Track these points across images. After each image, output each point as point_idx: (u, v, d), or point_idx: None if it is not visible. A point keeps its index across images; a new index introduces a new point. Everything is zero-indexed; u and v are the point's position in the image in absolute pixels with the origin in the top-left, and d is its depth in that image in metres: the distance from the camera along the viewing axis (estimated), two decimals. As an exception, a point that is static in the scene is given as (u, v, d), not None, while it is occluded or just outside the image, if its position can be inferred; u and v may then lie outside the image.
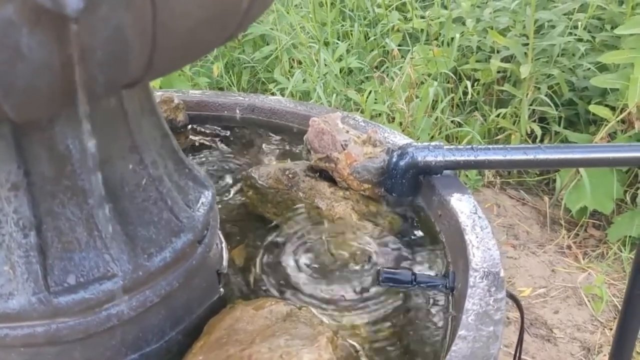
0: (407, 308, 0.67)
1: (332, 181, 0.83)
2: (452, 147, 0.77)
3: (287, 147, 0.97)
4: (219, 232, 0.74)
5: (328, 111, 0.93)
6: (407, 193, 0.79)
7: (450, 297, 0.67)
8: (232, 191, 0.90)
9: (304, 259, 0.74)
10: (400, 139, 0.86)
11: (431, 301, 0.68)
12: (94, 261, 0.54)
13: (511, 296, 0.71)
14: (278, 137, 1.01)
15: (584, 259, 1.95)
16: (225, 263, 0.73)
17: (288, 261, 0.73)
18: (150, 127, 0.60)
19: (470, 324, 0.56)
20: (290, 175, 0.84)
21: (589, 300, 1.74)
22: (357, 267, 0.72)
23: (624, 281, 1.88)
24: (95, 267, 0.54)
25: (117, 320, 0.55)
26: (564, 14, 2.21)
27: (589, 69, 2.19)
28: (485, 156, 0.76)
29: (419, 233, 0.77)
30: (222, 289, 0.69)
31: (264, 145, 0.98)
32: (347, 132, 0.84)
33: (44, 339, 0.54)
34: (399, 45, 2.43)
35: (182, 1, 0.37)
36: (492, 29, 2.26)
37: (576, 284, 1.79)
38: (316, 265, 0.73)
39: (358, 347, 0.61)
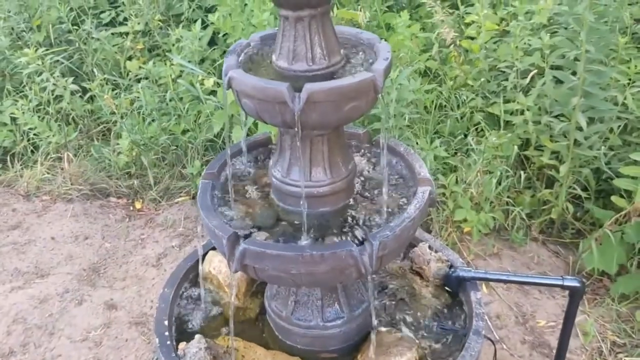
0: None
1: (421, 276, 1.87)
2: (475, 270, 1.78)
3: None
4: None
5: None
6: (454, 288, 1.82)
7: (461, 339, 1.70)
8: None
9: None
10: (457, 258, 1.88)
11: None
12: None
13: (488, 339, 1.72)
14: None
15: (589, 304, 2.84)
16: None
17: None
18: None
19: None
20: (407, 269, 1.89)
21: (581, 334, 2.65)
22: (426, 319, 1.76)
23: (612, 323, 2.77)
24: None
25: None
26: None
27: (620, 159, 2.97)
28: (486, 275, 1.77)
29: (456, 305, 1.80)
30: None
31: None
32: (431, 253, 1.87)
33: None
34: (476, 124, 3.31)
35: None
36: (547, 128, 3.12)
37: (575, 322, 2.70)
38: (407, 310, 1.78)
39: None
